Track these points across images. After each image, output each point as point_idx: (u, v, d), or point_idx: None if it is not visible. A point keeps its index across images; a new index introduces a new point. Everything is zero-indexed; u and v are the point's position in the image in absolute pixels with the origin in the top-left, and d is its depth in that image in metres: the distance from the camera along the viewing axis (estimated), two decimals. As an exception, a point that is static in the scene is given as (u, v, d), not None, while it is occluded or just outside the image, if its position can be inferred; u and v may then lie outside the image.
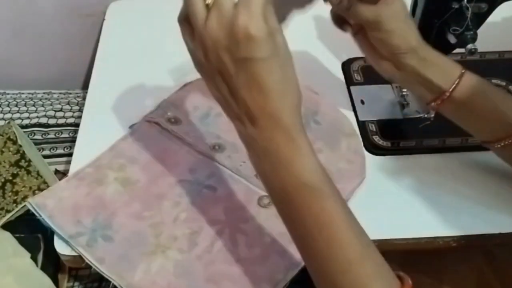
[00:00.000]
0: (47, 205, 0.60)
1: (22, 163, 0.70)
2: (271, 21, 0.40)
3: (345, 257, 0.41)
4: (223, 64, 0.40)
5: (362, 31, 0.60)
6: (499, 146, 0.57)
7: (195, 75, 0.74)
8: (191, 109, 0.70)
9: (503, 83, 0.76)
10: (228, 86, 0.42)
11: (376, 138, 0.69)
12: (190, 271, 0.56)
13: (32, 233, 0.66)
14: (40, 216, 0.59)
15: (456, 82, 0.56)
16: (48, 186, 0.69)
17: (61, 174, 0.75)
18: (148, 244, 0.58)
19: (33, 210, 0.59)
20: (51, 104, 0.87)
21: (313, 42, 0.84)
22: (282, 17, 0.55)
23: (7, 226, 0.66)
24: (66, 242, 0.58)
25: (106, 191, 0.62)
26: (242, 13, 0.38)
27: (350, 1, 0.57)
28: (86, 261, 0.56)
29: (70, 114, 0.86)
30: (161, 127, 0.68)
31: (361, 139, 0.68)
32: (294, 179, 0.42)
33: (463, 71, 0.56)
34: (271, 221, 0.59)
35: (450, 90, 0.56)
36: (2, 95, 0.90)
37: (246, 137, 0.43)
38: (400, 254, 0.72)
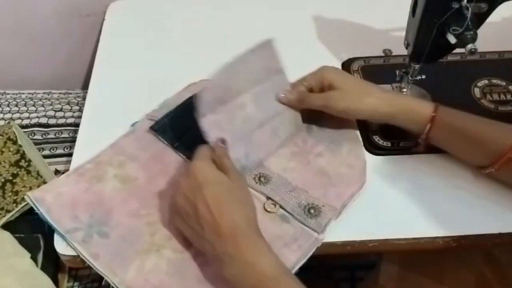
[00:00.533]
0: (46, 199, 0.60)
1: (22, 163, 0.70)
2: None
3: None
4: (188, 203, 0.54)
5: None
6: (493, 170, 0.60)
7: (195, 75, 0.75)
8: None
9: (503, 83, 0.76)
10: (196, 218, 0.53)
11: (376, 138, 0.69)
12: (183, 271, 0.56)
13: (32, 233, 0.66)
14: (38, 210, 0.59)
15: (427, 127, 0.61)
16: (48, 186, 0.69)
17: (61, 174, 0.75)
18: (143, 242, 0.58)
19: (31, 204, 0.59)
20: (51, 104, 0.87)
21: (313, 42, 0.84)
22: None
23: (7, 226, 0.66)
24: (62, 237, 0.58)
25: (105, 187, 0.62)
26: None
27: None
28: (81, 256, 0.56)
29: (70, 114, 0.86)
30: None
31: (362, 144, 0.68)
32: (259, 274, 0.50)
33: (433, 114, 0.60)
34: (265, 224, 0.58)
35: (425, 134, 0.61)
36: (2, 95, 0.90)
37: (218, 254, 0.51)
38: (400, 254, 0.72)
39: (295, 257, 0.57)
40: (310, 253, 0.57)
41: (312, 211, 0.60)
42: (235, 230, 0.51)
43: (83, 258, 0.56)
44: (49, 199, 0.60)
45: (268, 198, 0.62)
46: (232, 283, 0.51)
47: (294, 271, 0.56)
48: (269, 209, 0.60)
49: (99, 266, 0.55)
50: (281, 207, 0.61)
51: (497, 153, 0.58)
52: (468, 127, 0.60)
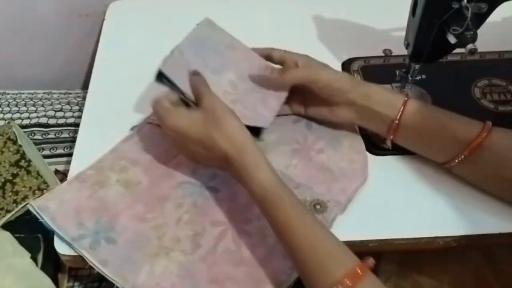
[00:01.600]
0: (49, 208, 0.60)
1: (22, 163, 0.70)
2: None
3: (301, 247, 0.51)
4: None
5: (310, 103, 0.68)
6: (454, 164, 0.60)
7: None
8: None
9: (503, 83, 0.76)
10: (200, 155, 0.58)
11: (377, 138, 0.69)
12: (193, 272, 0.56)
13: (32, 233, 0.66)
14: (42, 218, 0.59)
15: (401, 110, 0.61)
16: (48, 186, 0.69)
17: (61, 174, 0.75)
18: (151, 246, 0.58)
19: (34, 213, 0.59)
20: (51, 104, 0.87)
21: (313, 42, 0.84)
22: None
23: (7, 226, 0.66)
24: (69, 244, 0.58)
25: (108, 193, 0.62)
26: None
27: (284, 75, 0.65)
28: (90, 263, 0.56)
29: (70, 114, 0.86)
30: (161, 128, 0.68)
31: (362, 140, 0.68)
32: (252, 195, 0.54)
33: (406, 98, 0.61)
34: None
35: (398, 117, 0.61)
36: (2, 95, 0.90)
37: (229, 171, 0.57)
38: (400, 254, 0.72)
39: None
40: None
41: (318, 207, 0.61)
42: (226, 157, 0.55)
43: (92, 265, 0.56)
44: (53, 207, 0.60)
45: None
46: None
47: None
48: None
49: (109, 273, 0.55)
50: None
51: (467, 140, 0.58)
52: (435, 115, 0.61)
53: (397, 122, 0.61)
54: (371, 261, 0.49)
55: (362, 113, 0.63)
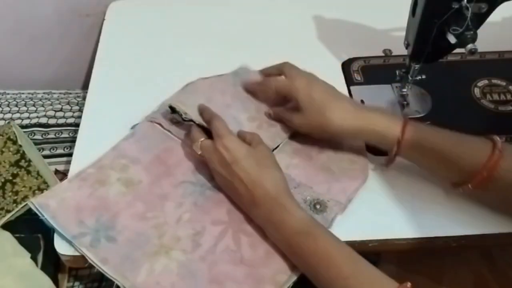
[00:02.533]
0: (50, 205, 0.59)
1: (22, 163, 0.70)
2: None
3: (341, 275, 0.51)
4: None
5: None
6: (463, 190, 0.58)
7: (195, 75, 0.75)
8: (193, 108, 0.70)
9: (503, 83, 0.76)
10: (233, 191, 0.60)
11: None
12: (193, 271, 0.56)
13: (32, 233, 0.66)
14: (43, 216, 0.59)
15: (395, 147, 0.59)
16: (48, 186, 0.69)
17: (61, 174, 0.75)
18: (151, 244, 0.58)
19: (35, 210, 0.59)
20: (51, 104, 0.87)
21: (313, 42, 0.84)
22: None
23: (7, 226, 0.66)
24: (69, 242, 0.57)
25: (109, 191, 0.62)
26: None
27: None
28: (90, 261, 0.56)
29: (70, 114, 0.86)
30: (163, 127, 0.68)
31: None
32: (289, 230, 0.55)
33: (401, 133, 0.58)
34: None
35: (393, 153, 0.60)
36: (2, 95, 0.90)
37: (256, 219, 0.59)
38: (400, 255, 0.72)
39: None
40: None
41: (318, 206, 0.61)
42: (266, 198, 0.56)
43: (92, 263, 0.56)
44: (53, 205, 0.59)
45: None
46: (275, 241, 0.57)
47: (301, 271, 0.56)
48: None
49: (108, 271, 0.55)
50: None
51: (471, 172, 0.55)
52: (437, 146, 0.57)
53: (392, 157, 0.61)
54: (409, 284, 0.49)
55: (363, 140, 0.65)
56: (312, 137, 0.66)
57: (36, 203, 0.59)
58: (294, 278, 0.56)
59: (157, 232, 0.59)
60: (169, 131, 0.68)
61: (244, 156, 0.58)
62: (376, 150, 0.68)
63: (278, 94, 0.68)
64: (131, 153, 0.66)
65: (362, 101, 0.74)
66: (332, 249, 0.52)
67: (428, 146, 0.58)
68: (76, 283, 0.71)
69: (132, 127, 0.69)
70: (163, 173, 0.64)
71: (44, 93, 0.92)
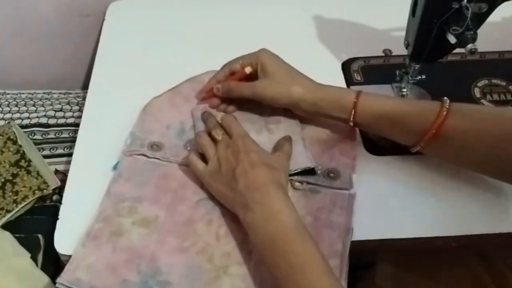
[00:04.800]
0: (81, 278, 0.54)
1: (22, 163, 0.70)
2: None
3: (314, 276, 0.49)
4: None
5: None
6: (417, 149, 0.61)
7: (194, 73, 0.75)
8: (165, 130, 0.68)
9: (503, 83, 0.76)
10: (232, 174, 0.57)
11: (377, 138, 0.69)
12: (257, 279, 0.55)
13: (32, 233, 0.66)
14: None
15: (352, 113, 0.62)
16: (48, 186, 0.69)
17: (61, 174, 0.75)
18: (206, 271, 0.55)
19: None
20: (51, 104, 0.87)
21: (313, 42, 0.85)
22: None
23: (7, 226, 0.66)
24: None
25: (131, 238, 0.57)
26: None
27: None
28: None
29: (70, 114, 0.86)
30: (147, 157, 0.65)
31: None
32: (281, 224, 0.52)
33: (355, 100, 0.61)
34: (302, 202, 0.60)
35: (351, 119, 0.62)
36: (2, 95, 0.90)
37: (246, 202, 0.55)
38: (397, 255, 0.72)
39: (343, 218, 0.59)
40: (353, 210, 0.60)
41: (331, 174, 0.63)
42: (266, 184, 0.55)
43: None
44: (84, 276, 0.54)
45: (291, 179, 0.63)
46: (251, 229, 0.54)
47: (351, 232, 0.58)
48: (297, 187, 0.62)
49: None
50: (307, 183, 0.63)
51: (421, 131, 0.58)
52: (390, 109, 0.61)
53: (351, 124, 0.63)
54: None
55: (321, 116, 0.66)
56: (273, 105, 0.67)
57: (65, 281, 0.53)
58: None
59: (205, 257, 0.56)
60: (155, 158, 0.65)
61: (257, 150, 0.60)
62: (376, 150, 0.68)
63: (241, 74, 0.69)
64: (129, 194, 0.61)
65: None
66: (318, 258, 0.51)
67: (381, 109, 0.61)
68: (76, 283, 0.71)
69: (114, 167, 0.65)
70: (174, 200, 0.61)
71: (44, 93, 0.92)
